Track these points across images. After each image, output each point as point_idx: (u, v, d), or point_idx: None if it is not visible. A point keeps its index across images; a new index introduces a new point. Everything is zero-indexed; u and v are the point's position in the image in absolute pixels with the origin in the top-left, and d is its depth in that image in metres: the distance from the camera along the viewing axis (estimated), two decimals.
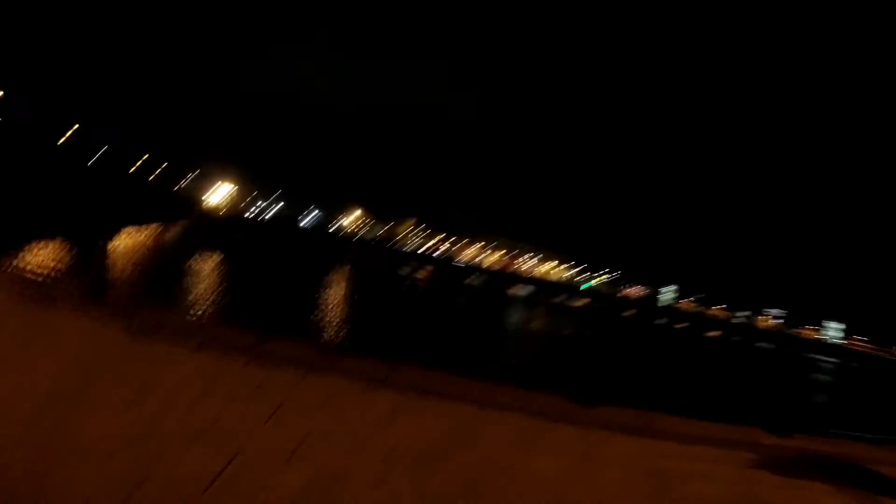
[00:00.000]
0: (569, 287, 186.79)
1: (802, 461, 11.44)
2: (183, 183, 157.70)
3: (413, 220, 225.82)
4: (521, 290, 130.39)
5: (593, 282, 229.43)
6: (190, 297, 27.23)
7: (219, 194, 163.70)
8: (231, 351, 10.54)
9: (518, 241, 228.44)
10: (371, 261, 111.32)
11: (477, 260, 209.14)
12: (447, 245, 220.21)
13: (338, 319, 28.12)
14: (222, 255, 48.15)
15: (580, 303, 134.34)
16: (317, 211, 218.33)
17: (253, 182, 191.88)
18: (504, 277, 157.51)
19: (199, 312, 23.12)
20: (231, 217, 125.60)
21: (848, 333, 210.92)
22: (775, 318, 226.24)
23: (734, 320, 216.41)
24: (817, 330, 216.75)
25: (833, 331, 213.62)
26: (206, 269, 39.38)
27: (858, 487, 10.39)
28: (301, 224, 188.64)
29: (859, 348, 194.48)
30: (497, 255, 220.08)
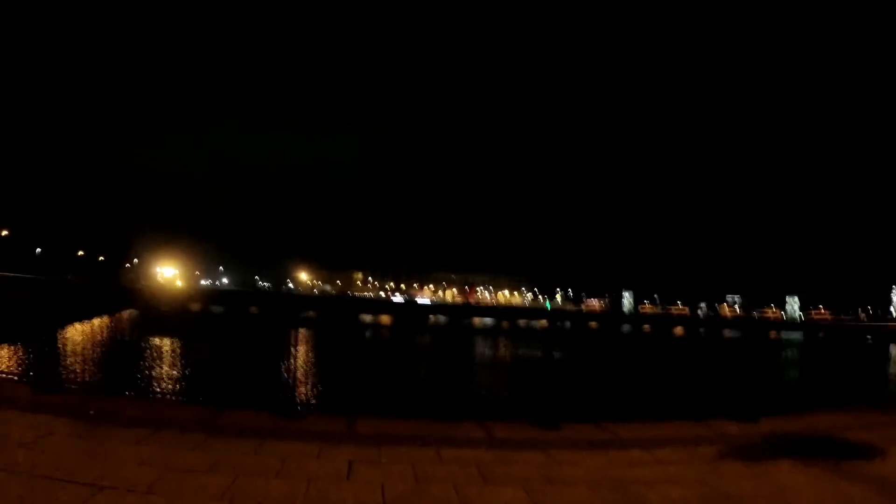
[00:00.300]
0: (531, 310, 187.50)
1: (769, 443, 11.46)
2: (125, 273, 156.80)
3: (361, 272, 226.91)
4: (484, 321, 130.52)
5: (554, 301, 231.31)
6: (143, 381, 26.89)
7: (163, 277, 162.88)
8: (186, 430, 10.33)
9: (473, 275, 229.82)
10: (331, 314, 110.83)
11: (436, 297, 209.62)
12: (403, 287, 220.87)
13: (297, 380, 27.85)
14: (176, 336, 47.56)
15: (543, 323, 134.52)
16: (261, 282, 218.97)
17: (195, 261, 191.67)
18: (466, 311, 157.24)
19: (154, 395, 22.83)
20: (180, 297, 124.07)
21: (808, 306, 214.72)
22: (735, 304, 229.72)
23: (698, 314, 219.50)
24: (778, 308, 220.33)
25: (793, 306, 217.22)
26: (159, 351, 38.90)
27: (826, 458, 10.43)
28: (254, 291, 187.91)
29: (821, 318, 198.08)
30: (453, 290, 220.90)
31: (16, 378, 22.99)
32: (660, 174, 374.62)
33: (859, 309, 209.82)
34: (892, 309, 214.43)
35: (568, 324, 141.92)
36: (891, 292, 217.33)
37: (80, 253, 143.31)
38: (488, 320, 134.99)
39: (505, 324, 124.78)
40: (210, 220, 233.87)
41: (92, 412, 10.98)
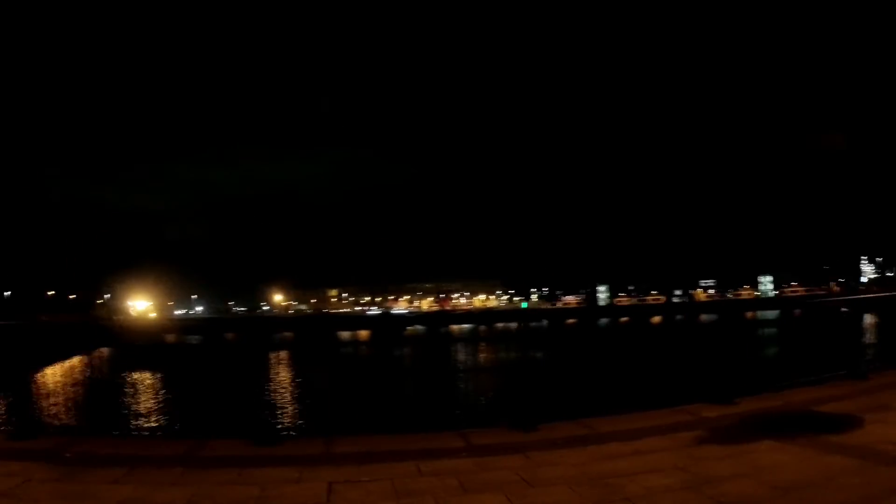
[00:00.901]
0: (507, 312, 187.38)
1: (747, 424, 11.51)
2: (98, 309, 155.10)
3: (335, 289, 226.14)
4: (462, 327, 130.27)
5: (530, 301, 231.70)
6: (122, 419, 26.65)
7: (136, 310, 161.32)
8: (164, 465, 10.19)
9: (447, 282, 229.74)
10: (308, 334, 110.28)
11: (412, 308, 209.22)
12: (379, 300, 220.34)
13: (276, 405, 27.73)
14: (153, 370, 47.13)
15: (520, 324, 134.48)
16: (236, 308, 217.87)
17: (167, 291, 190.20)
18: (443, 318, 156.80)
19: (133, 432, 22.62)
20: (155, 329, 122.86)
21: (781, 284, 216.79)
22: (709, 289, 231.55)
23: (673, 301, 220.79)
24: (752, 288, 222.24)
25: (766, 284, 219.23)
26: (137, 387, 38.52)
27: (805, 433, 10.50)
28: (228, 317, 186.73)
29: (794, 294, 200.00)
30: (429, 299, 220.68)
31: None
32: (622, 167, 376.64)
33: (831, 282, 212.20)
34: (862, 279, 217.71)
35: (545, 322, 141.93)
36: (859, 262, 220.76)
37: (50, 293, 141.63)
38: (466, 326, 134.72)
39: (482, 328, 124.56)
40: (178, 250, 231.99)
41: (69, 455, 10.81)
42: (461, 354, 63.14)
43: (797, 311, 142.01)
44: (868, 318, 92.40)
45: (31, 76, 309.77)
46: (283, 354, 66.16)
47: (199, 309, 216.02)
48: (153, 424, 25.52)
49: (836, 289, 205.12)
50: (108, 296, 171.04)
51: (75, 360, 63.49)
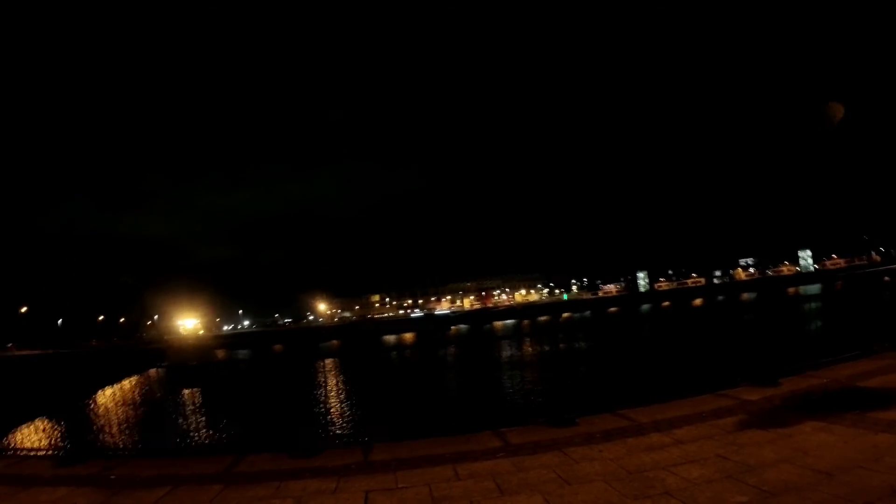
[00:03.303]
0: (549, 305, 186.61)
1: (790, 405, 11.25)
2: (147, 330, 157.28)
3: (378, 294, 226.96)
4: (505, 323, 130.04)
5: (570, 292, 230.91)
6: (169, 438, 26.92)
7: (185, 329, 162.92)
8: (204, 483, 10.20)
9: (487, 279, 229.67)
10: (354, 340, 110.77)
11: (455, 307, 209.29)
12: (421, 302, 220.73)
13: (317, 415, 27.81)
14: (203, 387, 47.50)
15: (564, 316, 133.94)
16: (282, 319, 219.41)
17: (214, 308, 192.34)
18: (485, 316, 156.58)
19: (179, 451, 22.81)
20: (204, 346, 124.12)
21: (821, 257, 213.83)
22: (749, 267, 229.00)
23: (714, 282, 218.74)
24: (792, 264, 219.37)
25: (806, 259, 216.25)
26: (185, 404, 38.87)
27: (850, 411, 10.23)
28: (275, 329, 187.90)
29: (836, 266, 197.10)
30: (470, 298, 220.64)
31: (41, 454, 22.91)
32: (656, 153, 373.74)
33: (871, 252, 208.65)
34: None
35: (588, 313, 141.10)
36: None
37: (101, 318, 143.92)
38: (509, 322, 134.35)
39: (525, 323, 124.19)
40: (217, 269, 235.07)
41: (113, 477, 10.90)
42: (503, 351, 62.75)
43: (839, 284, 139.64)
44: None
45: (58, 112, 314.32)
46: (330, 363, 66.15)
47: (246, 323, 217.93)
48: (198, 441, 25.80)
49: (878, 258, 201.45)
50: (157, 317, 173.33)
51: (127, 383, 64.22)
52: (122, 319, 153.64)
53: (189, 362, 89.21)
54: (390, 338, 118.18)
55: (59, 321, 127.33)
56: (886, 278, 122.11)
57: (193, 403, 39.73)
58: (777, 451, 8.70)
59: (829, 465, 7.81)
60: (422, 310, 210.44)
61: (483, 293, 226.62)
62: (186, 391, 45.34)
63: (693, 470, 8.27)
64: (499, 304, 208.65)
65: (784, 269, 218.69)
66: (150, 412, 38.29)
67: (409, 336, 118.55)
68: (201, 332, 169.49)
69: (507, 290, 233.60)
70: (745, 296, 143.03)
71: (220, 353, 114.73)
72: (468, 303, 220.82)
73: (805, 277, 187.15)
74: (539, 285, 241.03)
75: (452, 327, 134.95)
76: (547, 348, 57.77)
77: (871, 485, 6.92)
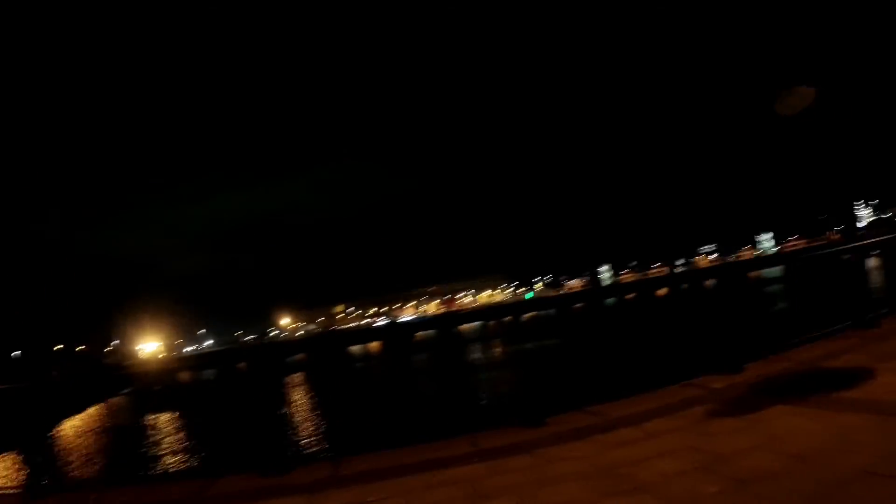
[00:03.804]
0: (514, 305, 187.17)
1: (758, 390, 11.29)
2: (108, 357, 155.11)
3: (342, 304, 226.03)
4: (471, 326, 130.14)
5: (534, 290, 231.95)
6: (139, 464, 26.59)
7: (146, 353, 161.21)
8: None
9: (451, 283, 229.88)
10: (320, 353, 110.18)
11: (420, 313, 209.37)
12: (386, 310, 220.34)
13: (286, 431, 27.57)
14: (168, 411, 46.98)
15: (529, 315, 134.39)
16: (245, 336, 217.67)
17: (175, 329, 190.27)
18: (451, 320, 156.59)
19: (148, 476, 22.51)
20: (167, 369, 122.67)
21: (781, 239, 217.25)
22: (710, 253, 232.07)
23: (676, 271, 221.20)
24: (752, 247, 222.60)
25: (766, 242, 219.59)
26: (151, 430, 38.37)
27: (817, 393, 10.28)
28: (239, 347, 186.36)
29: (795, 248, 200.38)
30: (435, 302, 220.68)
31: (10, 490, 22.50)
32: (613, 146, 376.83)
33: (830, 232, 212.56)
34: (860, 224, 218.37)
35: (553, 310, 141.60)
36: (855, 208, 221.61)
37: (59, 347, 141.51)
38: (475, 324, 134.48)
39: (491, 324, 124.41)
40: (178, 287, 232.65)
41: None
42: (471, 354, 62.89)
43: (799, 265, 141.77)
44: (871, 263, 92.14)
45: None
46: (297, 378, 65.95)
47: (209, 342, 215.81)
48: (170, 466, 25.46)
49: (836, 237, 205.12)
50: (117, 342, 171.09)
51: (91, 411, 63.29)
52: (82, 347, 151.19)
53: (153, 387, 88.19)
54: (356, 348, 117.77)
55: (15, 353, 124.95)
56: (846, 256, 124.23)
57: (161, 428, 39.26)
58: (747, 438, 8.70)
59: (800, 449, 7.81)
60: (387, 317, 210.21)
61: (448, 296, 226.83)
62: (153, 416, 44.83)
63: (664, 463, 8.23)
64: (464, 307, 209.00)
65: (744, 253, 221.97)
66: (118, 440, 37.84)
67: (374, 345, 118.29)
68: (163, 354, 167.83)
69: (471, 291, 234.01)
70: (708, 282, 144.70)
71: (185, 376, 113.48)
72: (433, 307, 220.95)
73: (765, 261, 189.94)
74: (503, 285, 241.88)
75: (418, 333, 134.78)
76: (514, 348, 58.04)
77: (844, 466, 6.92)
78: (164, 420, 42.68)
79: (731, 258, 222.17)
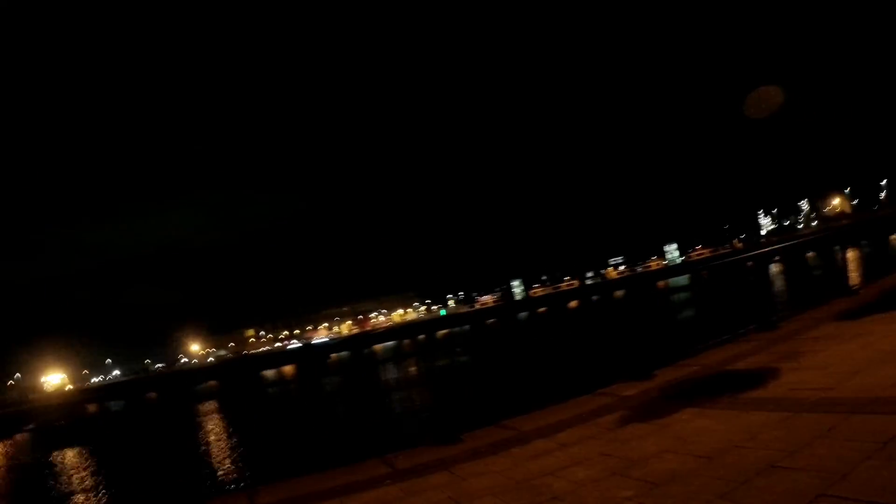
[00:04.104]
0: (427, 322, 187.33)
1: (667, 395, 11.54)
2: (9, 391, 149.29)
3: (252, 328, 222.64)
4: (385, 345, 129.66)
5: (448, 306, 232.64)
6: None
7: (51, 385, 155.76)
8: None
9: (363, 302, 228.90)
10: (231, 380, 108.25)
11: (333, 334, 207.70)
12: (298, 332, 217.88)
13: (200, 462, 27.00)
14: (76, 446, 45.45)
15: (443, 332, 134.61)
16: (154, 365, 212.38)
17: (80, 360, 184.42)
18: (364, 340, 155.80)
19: None
20: (73, 402, 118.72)
21: (686, 249, 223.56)
22: (619, 265, 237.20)
23: (587, 283, 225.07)
24: (660, 258, 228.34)
25: (672, 252, 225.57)
26: (59, 468, 37.03)
27: (723, 395, 10.55)
28: (147, 376, 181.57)
29: (700, 256, 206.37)
30: (348, 322, 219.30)
31: None
32: (519, 163, 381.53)
33: (733, 240, 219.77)
34: (762, 232, 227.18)
35: (467, 327, 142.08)
36: (757, 217, 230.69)
37: None
38: (389, 344, 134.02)
39: (405, 343, 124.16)
40: (81, 316, 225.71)
41: None
42: (385, 374, 62.61)
43: (705, 273, 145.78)
44: (773, 269, 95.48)
45: None
46: (209, 406, 64.60)
47: (116, 373, 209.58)
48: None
49: (739, 245, 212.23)
50: (18, 375, 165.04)
51: None
52: None
53: (58, 422, 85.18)
54: (269, 372, 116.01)
55: None
56: (749, 263, 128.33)
57: (68, 466, 37.87)
58: (658, 441, 8.86)
59: (709, 449, 7.99)
60: (299, 340, 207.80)
61: (360, 317, 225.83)
62: (59, 453, 43.29)
63: (579, 471, 8.31)
64: (377, 327, 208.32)
65: (652, 264, 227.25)
66: (22, 481, 36.36)
67: (288, 369, 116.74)
68: (68, 387, 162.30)
69: (384, 311, 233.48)
70: (618, 293, 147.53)
71: (91, 408, 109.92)
72: (346, 328, 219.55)
73: (673, 270, 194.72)
74: (416, 303, 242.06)
75: (332, 355, 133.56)
76: (428, 366, 57.98)
77: (749, 462, 7.10)
78: (70, 456, 41.22)
79: (640, 268, 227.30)
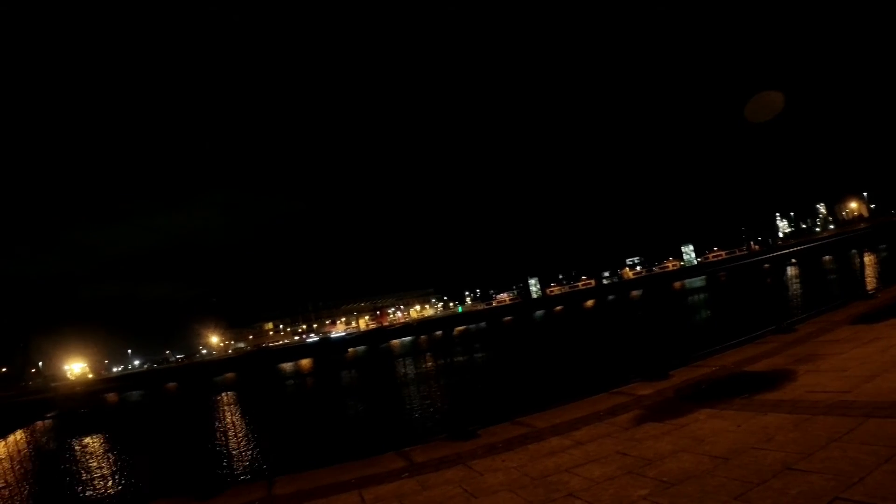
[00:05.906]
0: (444, 319, 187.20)
1: (682, 396, 11.54)
2: (32, 379, 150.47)
3: (271, 322, 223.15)
4: (402, 341, 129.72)
5: (464, 304, 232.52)
6: (68, 492, 25.92)
7: (73, 374, 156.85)
8: None
9: (381, 298, 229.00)
10: (250, 372, 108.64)
11: (350, 329, 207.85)
12: (316, 326, 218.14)
13: (219, 452, 27.18)
14: (97, 434, 45.90)
15: (460, 329, 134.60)
16: (173, 356, 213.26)
17: (102, 350, 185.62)
18: (381, 335, 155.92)
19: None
20: (94, 391, 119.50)
21: (703, 251, 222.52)
22: (636, 265, 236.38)
23: (603, 283, 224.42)
24: (676, 259, 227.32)
25: (689, 254, 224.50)
26: (80, 455, 37.40)
27: (739, 396, 10.56)
28: (167, 366, 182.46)
29: (717, 258, 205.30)
30: (365, 318, 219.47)
31: None
32: (540, 161, 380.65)
33: (750, 242, 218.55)
34: (779, 234, 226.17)
35: (483, 324, 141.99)
36: (774, 220, 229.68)
37: None
38: (406, 339, 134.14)
39: (422, 339, 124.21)
40: (102, 308, 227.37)
41: None
42: (402, 369, 62.73)
43: (722, 275, 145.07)
44: (789, 271, 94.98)
45: None
46: (228, 397, 65.02)
47: (137, 363, 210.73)
48: (98, 491, 24.84)
49: (756, 248, 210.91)
50: (42, 363, 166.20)
51: (14, 437, 61.38)
52: (2, 369, 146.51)
53: (79, 409, 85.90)
54: (287, 365, 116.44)
55: None
56: (766, 265, 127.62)
57: (88, 453, 38.28)
58: (673, 441, 8.90)
59: (724, 449, 8.02)
60: (317, 334, 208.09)
61: (378, 312, 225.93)
62: (80, 440, 43.72)
63: (594, 469, 8.36)
64: (394, 322, 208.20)
65: (669, 265, 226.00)
66: (44, 466, 36.75)
67: (306, 362, 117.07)
68: (90, 375, 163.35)
69: (401, 307, 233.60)
70: (634, 293, 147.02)
71: (111, 397, 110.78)
72: (364, 323, 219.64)
73: (689, 271, 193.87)
74: (433, 300, 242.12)
75: (350, 349, 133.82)
76: (445, 362, 58.07)
77: (765, 464, 7.13)
78: (91, 444, 41.63)
79: (656, 269, 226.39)
